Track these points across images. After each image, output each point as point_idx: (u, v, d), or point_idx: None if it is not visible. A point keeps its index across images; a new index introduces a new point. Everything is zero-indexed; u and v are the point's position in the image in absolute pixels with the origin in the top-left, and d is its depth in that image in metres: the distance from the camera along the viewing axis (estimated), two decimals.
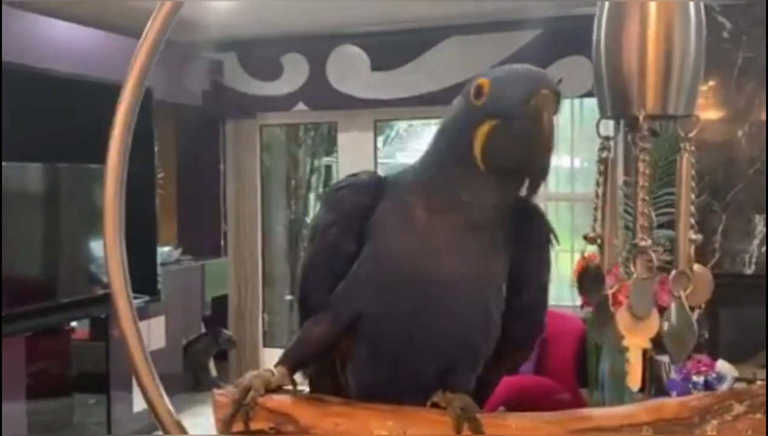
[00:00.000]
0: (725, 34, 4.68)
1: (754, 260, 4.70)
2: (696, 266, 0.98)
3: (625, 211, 1.30)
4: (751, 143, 4.69)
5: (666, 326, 0.96)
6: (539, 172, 0.90)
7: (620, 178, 1.07)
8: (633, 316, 0.96)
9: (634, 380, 0.95)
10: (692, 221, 0.98)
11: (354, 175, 1.05)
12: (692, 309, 0.98)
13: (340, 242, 0.99)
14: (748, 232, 4.72)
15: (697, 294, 0.98)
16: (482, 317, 0.98)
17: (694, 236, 0.99)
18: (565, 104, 5.26)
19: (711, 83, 4.73)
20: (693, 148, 0.99)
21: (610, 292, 0.98)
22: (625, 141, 1.10)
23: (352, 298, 0.98)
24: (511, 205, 0.97)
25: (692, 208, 0.99)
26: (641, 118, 0.96)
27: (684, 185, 0.99)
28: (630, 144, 1.01)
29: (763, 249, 4.69)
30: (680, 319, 0.96)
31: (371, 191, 1.00)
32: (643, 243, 0.96)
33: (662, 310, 0.97)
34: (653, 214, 0.99)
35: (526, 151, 0.89)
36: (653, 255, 0.96)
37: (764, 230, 4.69)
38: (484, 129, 0.90)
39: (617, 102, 1.00)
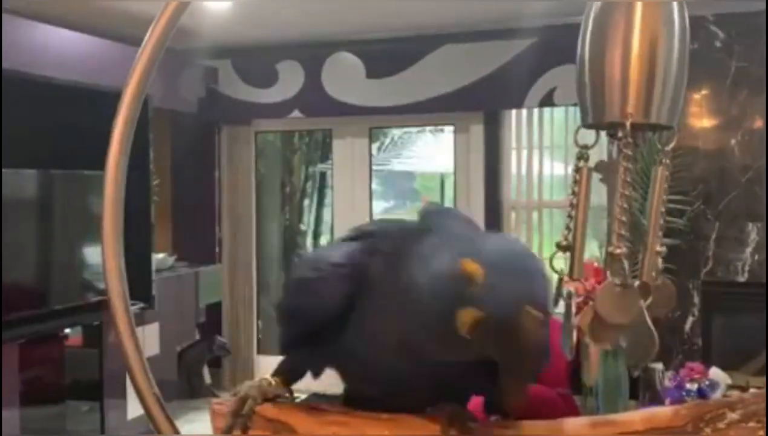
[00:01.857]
0: (718, 44, 4.70)
1: (747, 267, 4.72)
2: (661, 278, 0.99)
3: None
4: (744, 152, 4.72)
5: (626, 335, 0.97)
6: (520, 382, 0.85)
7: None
8: (599, 320, 0.97)
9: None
10: (659, 233, 0.99)
11: (328, 260, 0.98)
12: (656, 319, 0.99)
13: (320, 319, 0.97)
14: (741, 240, 4.74)
15: (660, 305, 0.99)
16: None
17: (659, 248, 0.99)
18: (560, 112, 5.28)
19: (704, 92, 4.76)
20: (668, 160, 1.00)
21: (574, 300, 0.99)
22: (609, 150, 1.11)
23: (330, 359, 1.00)
24: None
25: (661, 221, 1.00)
26: (627, 124, 0.97)
27: (656, 196, 1.00)
28: (612, 153, 1.02)
29: (756, 257, 4.70)
30: (640, 328, 0.97)
31: (349, 284, 0.95)
32: (617, 251, 0.97)
33: None
34: (634, 221, 0.99)
35: (512, 357, 0.83)
36: (626, 263, 0.97)
37: (757, 238, 4.71)
38: (469, 314, 0.83)
39: (599, 110, 1.00)
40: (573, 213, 1.02)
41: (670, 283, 1.03)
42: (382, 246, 0.96)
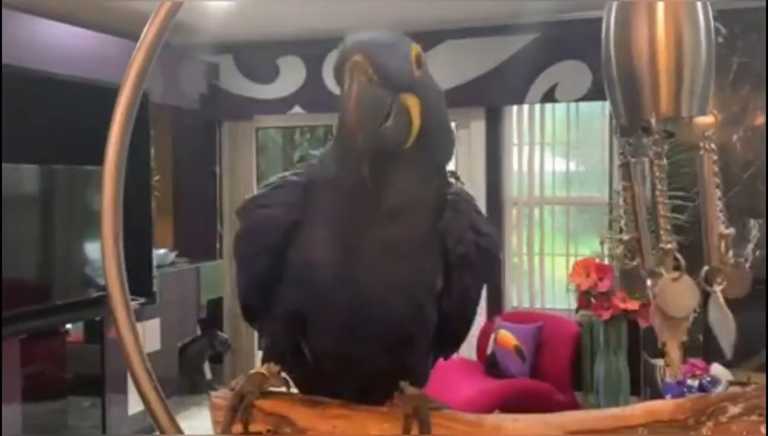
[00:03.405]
0: (720, 39, 4.69)
1: (748, 264, 4.71)
2: (732, 261, 1.00)
3: (621, 215, 1.31)
4: (746, 148, 4.71)
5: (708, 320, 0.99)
6: (360, 151, 0.81)
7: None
8: (666, 315, 0.97)
9: (674, 373, 0.98)
10: (721, 216, 0.99)
11: (269, 184, 0.99)
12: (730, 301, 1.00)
13: (266, 261, 0.96)
14: (743, 236, 4.73)
15: (734, 287, 1.00)
16: (414, 310, 0.94)
17: (725, 231, 1.00)
18: (562, 108, 5.27)
19: None
20: (713, 145, 1.00)
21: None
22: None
23: (286, 299, 0.95)
24: (435, 198, 0.92)
25: (720, 204, 1.00)
26: (653, 121, 0.97)
27: (708, 183, 0.99)
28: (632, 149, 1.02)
29: (758, 253, 4.70)
30: (716, 313, 0.98)
31: (290, 203, 0.94)
32: (668, 246, 0.98)
33: None
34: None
35: (348, 126, 0.82)
36: (679, 256, 0.98)
37: (759, 234, 4.70)
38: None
39: (631, 107, 1.00)
40: (627, 208, 1.02)
41: (743, 263, 1.03)
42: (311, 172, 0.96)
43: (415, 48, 0.88)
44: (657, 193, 0.99)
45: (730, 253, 1.01)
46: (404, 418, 0.92)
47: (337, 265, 0.91)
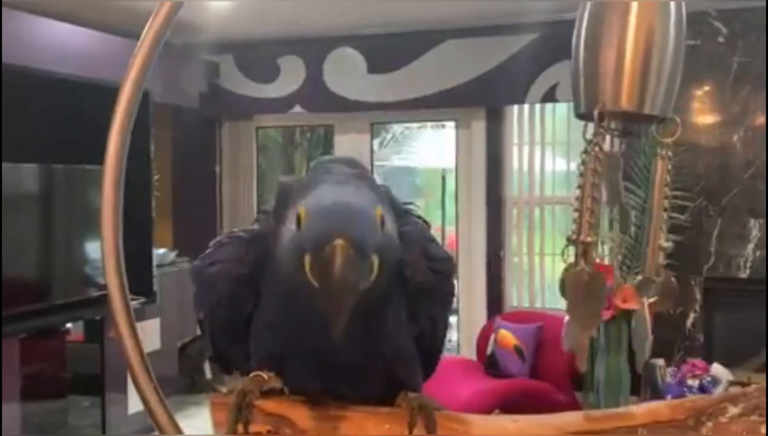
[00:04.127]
0: (721, 39, 4.69)
1: (749, 264, 4.72)
2: (663, 273, 0.99)
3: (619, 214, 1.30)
4: (747, 148, 4.71)
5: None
6: (334, 325, 0.85)
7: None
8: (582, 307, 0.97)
9: (583, 366, 0.99)
10: (663, 227, 0.99)
11: (220, 243, 1.03)
12: (661, 314, 1.00)
13: (225, 314, 1.00)
14: (743, 236, 4.73)
15: (662, 300, 0.99)
16: (387, 344, 0.98)
17: (664, 244, 0.99)
18: (561, 108, 5.27)
19: (706, 88, 4.75)
20: (670, 154, 0.99)
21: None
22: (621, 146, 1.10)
23: (259, 345, 1.00)
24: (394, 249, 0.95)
25: (664, 215, 0.99)
26: (595, 113, 0.96)
27: (657, 191, 0.99)
28: (628, 149, 1.02)
29: (758, 253, 4.70)
30: (638, 325, 0.97)
31: (237, 258, 0.99)
32: (588, 239, 0.97)
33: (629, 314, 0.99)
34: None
35: (326, 287, 0.85)
36: (594, 252, 0.97)
37: (759, 234, 4.70)
38: (306, 258, 0.87)
39: (592, 99, 1.00)
40: (582, 206, 1.01)
41: (673, 278, 1.02)
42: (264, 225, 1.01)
43: (378, 211, 0.91)
44: (589, 185, 0.98)
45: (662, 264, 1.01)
46: (410, 412, 0.93)
47: (300, 313, 0.94)
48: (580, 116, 1.03)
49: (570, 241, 1.00)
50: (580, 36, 1.01)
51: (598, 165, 0.97)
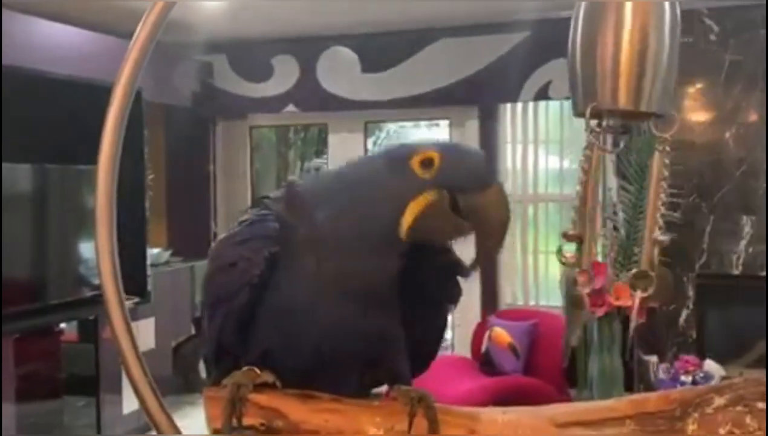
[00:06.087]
0: (713, 37, 4.71)
1: (741, 260, 4.74)
2: (658, 268, 1.00)
3: (614, 212, 1.32)
4: (739, 145, 4.73)
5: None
6: (489, 252, 0.88)
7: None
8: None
9: (574, 340, 1.00)
10: (660, 221, 0.99)
11: (243, 221, 1.01)
12: (659, 308, 1.00)
13: (248, 297, 0.98)
14: (736, 233, 4.75)
15: (658, 294, 1.00)
16: (378, 333, 0.99)
17: (660, 237, 1.00)
18: (554, 106, 5.28)
19: (698, 85, 4.77)
20: (668, 148, 1.00)
21: (584, 291, 0.99)
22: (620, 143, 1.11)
23: (258, 340, 0.99)
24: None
25: (662, 210, 1.00)
26: (587, 113, 0.97)
27: (654, 186, 1.00)
28: (626, 147, 1.03)
29: (750, 250, 4.72)
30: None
31: (268, 236, 0.97)
32: (571, 232, 0.98)
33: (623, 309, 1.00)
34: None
35: (485, 228, 0.88)
36: (594, 248, 0.98)
37: (751, 230, 4.72)
38: (424, 200, 0.88)
39: (589, 99, 1.01)
40: (580, 203, 1.02)
41: (668, 272, 1.03)
42: (287, 211, 0.98)
43: None
44: (581, 184, 0.99)
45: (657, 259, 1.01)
46: (410, 404, 0.93)
47: (308, 321, 0.95)
48: (579, 115, 1.04)
49: (567, 236, 1.01)
50: (576, 36, 1.02)
51: (586, 163, 0.98)
